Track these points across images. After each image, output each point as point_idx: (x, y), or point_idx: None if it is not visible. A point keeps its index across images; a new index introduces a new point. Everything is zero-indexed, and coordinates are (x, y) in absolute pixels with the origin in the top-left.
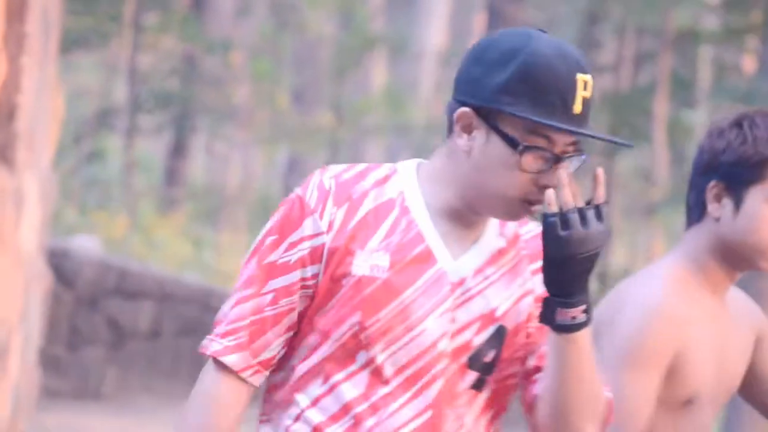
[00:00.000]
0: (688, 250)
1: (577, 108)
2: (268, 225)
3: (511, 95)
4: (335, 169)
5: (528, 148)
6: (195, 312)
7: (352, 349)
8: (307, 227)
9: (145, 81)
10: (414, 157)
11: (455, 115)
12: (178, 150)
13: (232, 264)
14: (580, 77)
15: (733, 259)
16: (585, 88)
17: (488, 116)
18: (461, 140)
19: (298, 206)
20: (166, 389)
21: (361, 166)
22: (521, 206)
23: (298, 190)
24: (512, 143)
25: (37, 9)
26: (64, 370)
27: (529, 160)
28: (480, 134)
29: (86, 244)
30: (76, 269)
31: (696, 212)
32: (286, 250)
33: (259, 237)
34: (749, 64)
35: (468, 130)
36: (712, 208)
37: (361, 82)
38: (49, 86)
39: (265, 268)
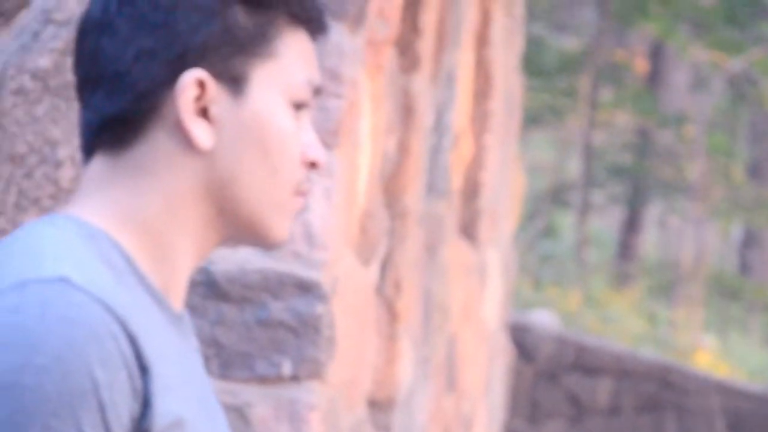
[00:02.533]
0: None
1: None
2: None
3: None
4: None
5: None
6: (653, 388)
7: None
8: None
9: (598, 156)
10: None
11: None
12: (632, 224)
13: (688, 340)
14: None
15: None
16: None
17: None
18: None
19: None
20: None
21: None
22: None
23: None
24: None
25: (501, 88)
26: None
27: None
28: None
29: (544, 319)
30: (535, 344)
31: None
32: None
33: None
34: None
35: None
36: None
37: None
38: (510, 164)
39: None
